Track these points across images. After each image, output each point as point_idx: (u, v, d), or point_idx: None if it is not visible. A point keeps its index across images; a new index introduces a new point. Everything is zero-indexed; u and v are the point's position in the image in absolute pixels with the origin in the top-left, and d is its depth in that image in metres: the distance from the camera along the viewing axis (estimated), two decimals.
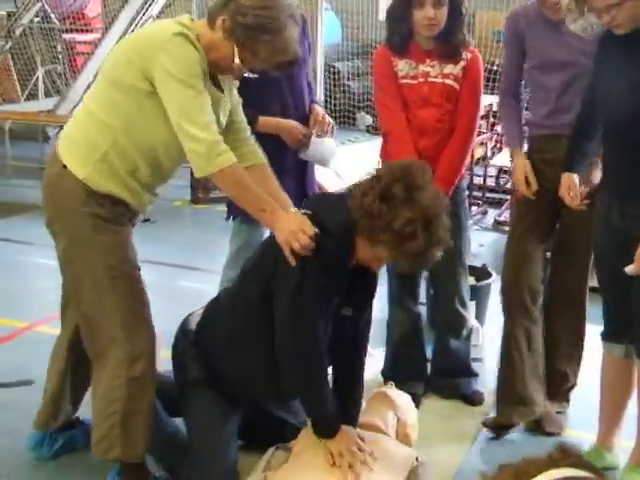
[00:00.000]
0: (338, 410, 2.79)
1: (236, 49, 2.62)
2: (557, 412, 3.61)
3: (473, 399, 3.82)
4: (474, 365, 4.06)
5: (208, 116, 2.58)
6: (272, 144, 3.52)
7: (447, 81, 3.43)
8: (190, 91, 2.54)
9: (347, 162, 8.12)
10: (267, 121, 3.57)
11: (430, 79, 3.42)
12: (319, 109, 3.78)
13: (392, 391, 3.27)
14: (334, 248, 2.62)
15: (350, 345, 2.96)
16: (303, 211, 2.72)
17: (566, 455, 1.30)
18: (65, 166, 2.70)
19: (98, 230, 2.70)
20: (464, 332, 3.78)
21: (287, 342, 2.68)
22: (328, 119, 3.74)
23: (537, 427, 3.52)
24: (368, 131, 10.27)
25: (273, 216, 2.64)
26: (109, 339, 2.75)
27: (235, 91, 2.95)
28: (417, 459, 2.93)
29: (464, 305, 3.75)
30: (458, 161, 3.51)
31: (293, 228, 2.55)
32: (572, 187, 3.06)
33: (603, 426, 3.18)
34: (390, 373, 3.75)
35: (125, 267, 2.77)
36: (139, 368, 2.76)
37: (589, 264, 3.43)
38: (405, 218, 2.46)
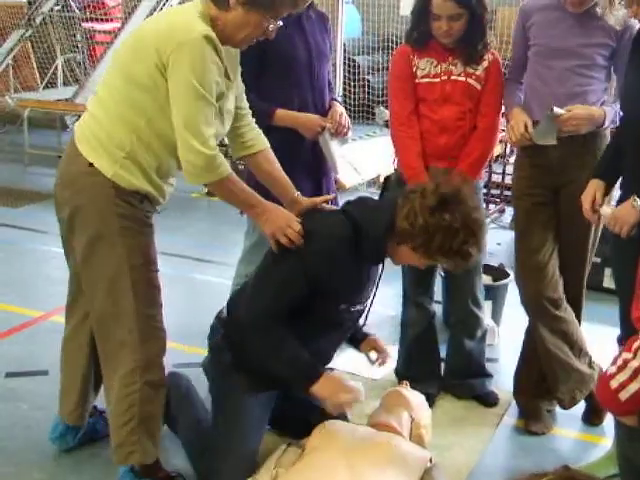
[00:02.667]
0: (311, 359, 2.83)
1: (264, 14, 2.58)
2: (547, 410, 3.60)
3: (487, 400, 3.79)
4: (489, 365, 4.04)
5: (211, 129, 2.57)
6: (288, 139, 3.53)
7: (470, 80, 3.39)
8: (200, 102, 2.52)
9: (365, 157, 8.11)
10: (285, 114, 3.53)
11: (453, 77, 3.39)
12: (339, 107, 3.73)
13: (407, 391, 3.25)
14: (369, 250, 2.82)
15: None
16: (297, 220, 2.79)
17: (570, 470, 1.36)
18: (91, 164, 2.66)
19: (124, 232, 2.67)
20: (478, 332, 3.75)
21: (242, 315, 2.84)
22: (346, 120, 3.68)
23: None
24: (386, 126, 10.19)
25: (262, 211, 2.75)
26: (120, 342, 2.74)
27: (239, 77, 2.90)
28: (431, 460, 2.91)
29: (478, 305, 3.72)
30: (479, 161, 3.48)
31: (281, 224, 2.72)
32: (597, 197, 3.00)
33: None
34: (404, 372, 3.73)
35: (145, 270, 2.75)
36: (153, 374, 2.78)
37: (585, 272, 3.41)
38: (461, 240, 2.67)
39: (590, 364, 3.47)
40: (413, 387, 3.31)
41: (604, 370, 1.84)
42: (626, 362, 1.69)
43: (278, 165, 3.01)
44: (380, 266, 3.00)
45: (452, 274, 3.61)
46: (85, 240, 2.71)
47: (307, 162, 3.66)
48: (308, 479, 2.62)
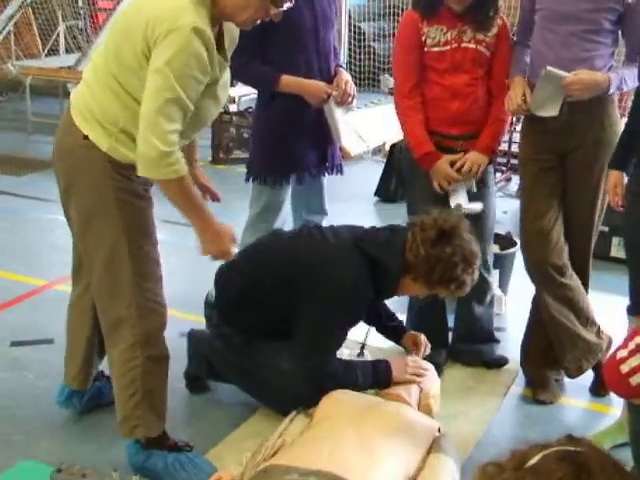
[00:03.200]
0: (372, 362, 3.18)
1: None
2: (555, 380, 3.58)
3: (496, 363, 3.79)
4: (496, 335, 4.03)
5: (172, 125, 2.43)
6: (293, 106, 3.51)
7: (480, 47, 3.34)
8: (169, 96, 2.40)
9: (370, 124, 8.05)
10: (291, 80, 3.49)
11: (463, 44, 3.32)
12: (345, 74, 3.68)
13: (416, 360, 3.23)
14: (388, 287, 3.05)
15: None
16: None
17: (573, 439, 1.32)
18: (86, 137, 2.60)
19: (120, 204, 2.62)
20: (487, 297, 3.73)
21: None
22: (351, 89, 3.63)
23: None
24: (391, 93, 10.09)
25: (206, 228, 2.64)
26: (119, 317, 2.71)
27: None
28: (439, 430, 2.89)
29: (488, 270, 3.69)
30: (498, 131, 3.46)
31: (222, 249, 2.68)
32: (619, 186, 2.98)
33: (625, 403, 3.12)
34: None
35: (143, 243, 2.70)
36: (154, 348, 2.75)
37: (592, 239, 3.38)
38: (459, 271, 2.88)
39: (598, 333, 3.45)
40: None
41: (613, 349, 1.79)
42: (639, 347, 1.64)
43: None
44: None
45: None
46: (81, 213, 2.67)
47: (312, 131, 3.63)
48: (316, 449, 2.59)
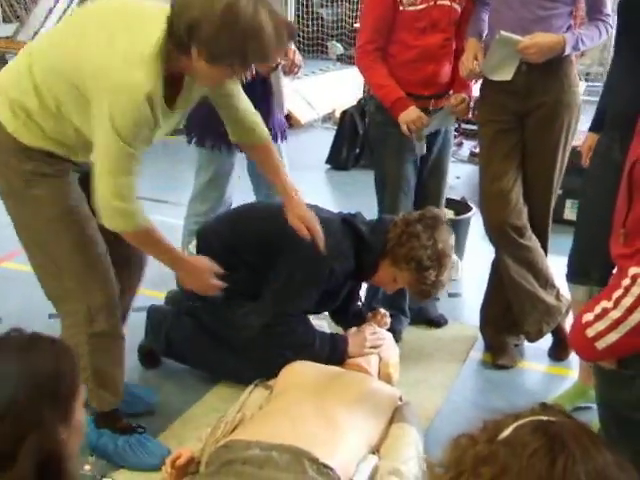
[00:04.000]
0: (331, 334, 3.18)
1: (231, 66, 2.36)
2: (514, 345, 3.58)
3: (439, 322, 3.83)
4: (452, 300, 4.02)
5: (128, 178, 2.37)
6: None
7: (454, 5, 3.29)
8: (119, 153, 2.32)
9: (319, 92, 7.97)
10: None
11: (439, 2, 3.26)
12: (294, 47, 3.62)
13: (373, 329, 3.19)
14: (367, 265, 3.09)
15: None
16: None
17: (547, 408, 1.26)
18: None
19: (31, 184, 2.47)
20: None
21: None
22: (298, 60, 3.56)
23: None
24: (339, 60, 10.04)
25: (181, 267, 2.70)
26: (60, 295, 2.61)
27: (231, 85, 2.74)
28: (401, 399, 2.86)
29: None
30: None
31: (202, 283, 2.73)
32: (591, 148, 2.94)
33: (584, 365, 3.11)
34: (372, 305, 3.66)
35: (68, 219, 2.55)
36: (99, 324, 2.62)
37: (551, 201, 3.36)
38: (426, 254, 2.94)
39: (558, 296, 3.43)
40: None
41: (577, 315, 1.73)
42: (606, 311, 1.58)
43: (275, 161, 2.90)
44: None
45: (423, 185, 3.58)
46: None
47: (254, 100, 3.54)
48: (277, 423, 2.54)
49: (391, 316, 3.47)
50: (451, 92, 3.46)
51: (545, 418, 1.21)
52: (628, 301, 1.52)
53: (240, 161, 3.62)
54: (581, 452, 1.14)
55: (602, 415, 1.79)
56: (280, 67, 3.48)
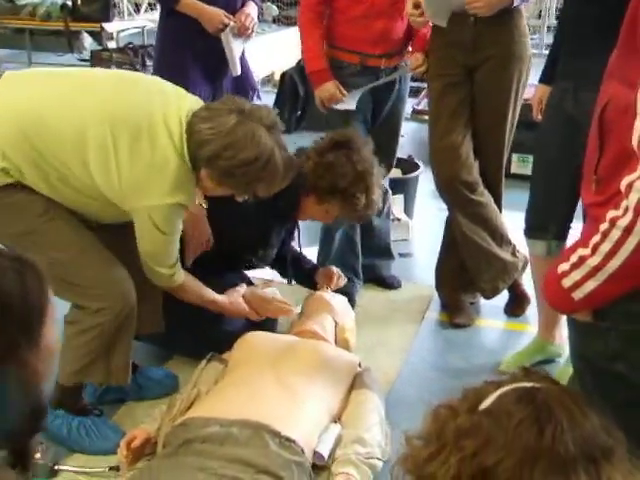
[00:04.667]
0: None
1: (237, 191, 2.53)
2: (470, 303, 3.54)
3: (392, 283, 3.75)
4: (404, 261, 3.96)
5: (173, 257, 2.57)
6: (187, 28, 3.41)
7: None
8: (164, 237, 2.47)
9: (256, 54, 7.78)
10: (191, 3, 3.38)
11: None
12: (250, 8, 3.55)
13: (328, 294, 3.11)
14: (284, 208, 2.95)
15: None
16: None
17: (529, 374, 1.22)
18: None
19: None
20: (385, 208, 3.62)
21: None
22: (251, 23, 3.51)
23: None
24: (275, 22, 9.86)
25: (221, 307, 2.85)
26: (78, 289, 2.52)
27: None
28: (360, 365, 2.79)
29: (385, 181, 3.57)
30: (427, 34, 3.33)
31: (242, 314, 2.93)
32: (543, 100, 2.87)
33: (542, 320, 3.09)
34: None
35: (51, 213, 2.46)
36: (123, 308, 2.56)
37: (503, 155, 3.29)
38: (347, 181, 2.81)
39: (514, 252, 3.39)
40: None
41: (550, 266, 1.65)
42: (583, 259, 1.50)
43: None
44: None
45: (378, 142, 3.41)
46: None
47: (205, 58, 3.49)
48: (234, 397, 2.45)
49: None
50: (409, 49, 3.37)
51: (529, 385, 1.15)
52: (607, 246, 1.44)
53: None
54: (568, 419, 1.08)
55: (577, 367, 1.73)
56: (229, 28, 3.42)
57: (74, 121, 2.33)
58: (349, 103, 3.31)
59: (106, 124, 2.32)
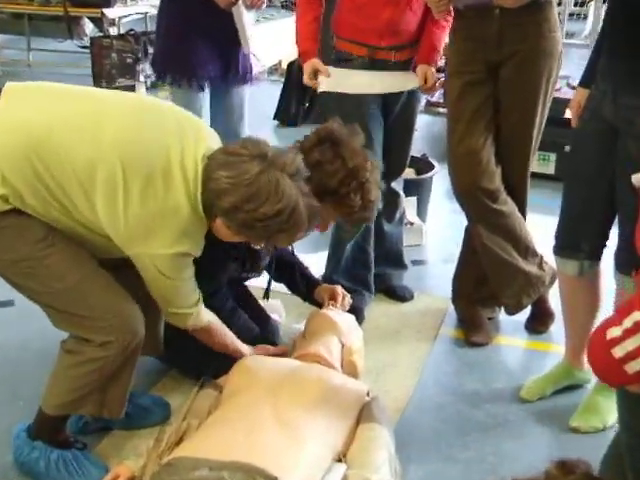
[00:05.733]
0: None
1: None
2: (489, 318, 3.28)
3: (403, 295, 3.49)
4: (416, 269, 3.69)
5: (191, 297, 2.39)
6: (195, 4, 3.27)
7: None
8: (172, 282, 2.29)
9: (263, 42, 7.51)
10: None
11: None
12: None
13: (333, 312, 2.84)
14: None
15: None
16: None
17: (564, 472, 1.10)
18: None
19: None
20: (397, 214, 3.40)
21: None
22: None
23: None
24: (284, 7, 9.58)
25: (242, 355, 2.63)
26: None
27: None
28: (368, 394, 2.53)
29: (398, 183, 3.41)
30: (438, 37, 3.09)
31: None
32: (582, 106, 2.58)
33: (569, 345, 2.82)
34: (332, 281, 3.27)
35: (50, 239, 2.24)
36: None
37: (530, 159, 3.03)
38: (338, 179, 2.50)
39: (540, 265, 3.11)
40: None
41: (599, 323, 1.35)
42: (639, 325, 1.22)
43: None
44: None
45: (390, 141, 3.22)
46: None
47: (214, 35, 3.33)
48: (228, 435, 2.18)
49: (353, 291, 3.14)
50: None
51: None
52: None
53: None
54: None
55: (628, 444, 1.43)
56: (241, 1, 3.26)
57: (87, 152, 2.11)
58: (337, 84, 3.09)
59: (118, 161, 2.10)
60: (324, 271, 3.39)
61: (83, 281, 2.23)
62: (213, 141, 2.31)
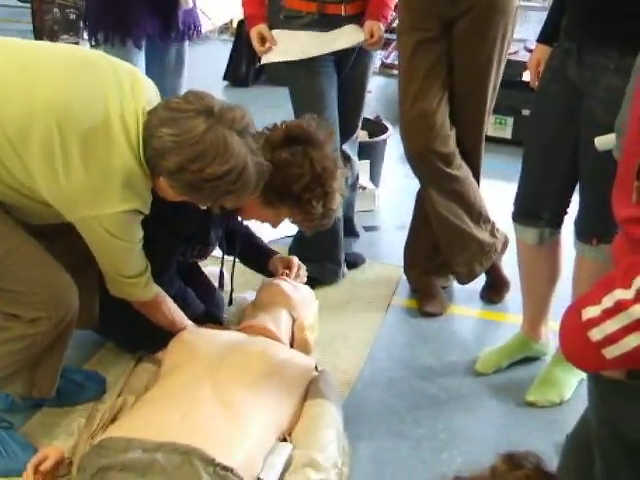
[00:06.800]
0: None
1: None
2: (442, 287, 3.16)
3: (354, 261, 3.36)
4: (369, 235, 3.57)
5: (137, 266, 2.24)
6: None
7: None
8: (123, 244, 2.13)
9: (214, 1, 7.30)
10: None
11: None
12: None
13: (287, 284, 2.69)
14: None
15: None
16: None
17: (511, 467, 1.07)
18: None
19: None
20: (349, 180, 3.20)
21: None
22: None
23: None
24: None
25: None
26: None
27: None
28: (316, 368, 2.40)
29: (353, 147, 3.25)
30: None
31: None
32: (542, 63, 2.44)
33: (527, 316, 2.71)
34: (297, 250, 3.17)
35: None
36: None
37: (484, 121, 2.91)
38: (303, 184, 2.35)
39: (492, 232, 3.00)
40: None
41: (570, 306, 1.20)
42: (622, 305, 1.05)
43: None
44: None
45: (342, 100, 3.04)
46: None
47: None
48: (164, 413, 2.03)
49: (317, 260, 3.05)
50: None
51: None
52: None
53: None
54: None
55: (602, 438, 1.28)
56: None
57: (17, 112, 1.92)
58: (285, 51, 2.91)
59: (53, 121, 1.91)
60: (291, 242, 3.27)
61: (11, 253, 2.06)
62: (152, 92, 2.14)
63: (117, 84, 2.03)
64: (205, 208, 2.35)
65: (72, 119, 1.94)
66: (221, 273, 2.83)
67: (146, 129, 1.99)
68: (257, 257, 2.88)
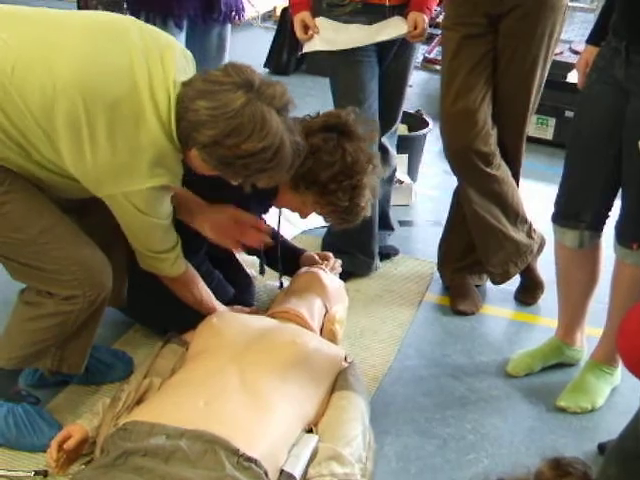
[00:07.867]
0: None
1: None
2: (476, 286, 3.11)
3: (388, 253, 3.32)
4: (403, 230, 3.53)
5: (167, 242, 2.22)
6: None
7: None
8: (150, 219, 2.09)
9: None
10: None
11: None
12: None
13: (325, 273, 2.67)
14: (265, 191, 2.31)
15: None
16: None
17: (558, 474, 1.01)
18: None
19: None
20: (387, 172, 3.17)
21: None
22: None
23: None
24: None
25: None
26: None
27: None
28: (346, 359, 2.37)
29: (392, 136, 3.20)
30: None
31: None
32: (589, 64, 2.38)
33: (563, 320, 2.66)
34: (332, 241, 3.14)
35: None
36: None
37: (527, 121, 2.85)
38: (331, 173, 2.33)
39: (529, 233, 2.95)
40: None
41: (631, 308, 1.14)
42: None
43: None
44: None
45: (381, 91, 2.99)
46: None
47: None
48: (190, 399, 2.01)
49: (351, 252, 3.03)
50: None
51: None
52: None
53: None
54: None
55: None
56: None
57: (41, 83, 1.87)
58: (327, 42, 2.87)
59: (79, 96, 1.86)
60: (325, 233, 3.24)
61: (45, 232, 2.04)
62: (185, 61, 2.08)
63: (145, 51, 1.96)
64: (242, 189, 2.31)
65: (97, 92, 1.88)
66: (262, 258, 2.80)
67: (181, 101, 1.94)
68: (288, 255, 2.84)
